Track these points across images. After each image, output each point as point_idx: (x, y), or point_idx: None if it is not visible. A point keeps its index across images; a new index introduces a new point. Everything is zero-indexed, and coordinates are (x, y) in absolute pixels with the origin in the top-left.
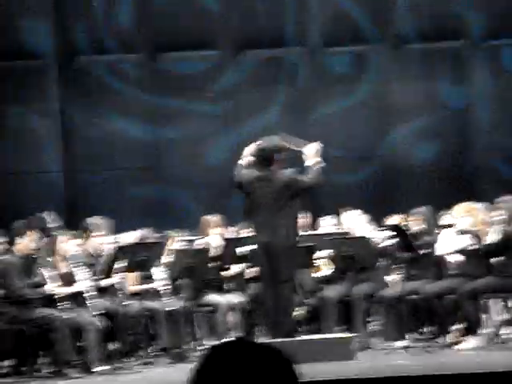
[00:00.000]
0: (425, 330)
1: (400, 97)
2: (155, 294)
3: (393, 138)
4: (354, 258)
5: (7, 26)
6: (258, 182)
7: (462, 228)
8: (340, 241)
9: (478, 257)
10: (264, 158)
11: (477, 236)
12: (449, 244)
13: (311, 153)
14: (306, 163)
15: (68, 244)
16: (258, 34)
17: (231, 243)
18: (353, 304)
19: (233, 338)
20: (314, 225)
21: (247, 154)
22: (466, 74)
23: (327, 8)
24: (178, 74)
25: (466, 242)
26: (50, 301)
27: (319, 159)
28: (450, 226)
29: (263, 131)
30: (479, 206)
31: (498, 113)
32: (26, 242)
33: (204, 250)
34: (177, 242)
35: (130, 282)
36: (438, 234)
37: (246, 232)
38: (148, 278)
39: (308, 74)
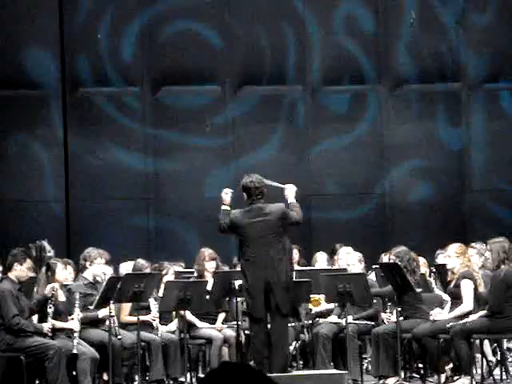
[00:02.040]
0: (418, 368)
1: (398, 136)
2: (151, 325)
3: (390, 177)
4: (351, 295)
5: (12, 54)
6: (251, 217)
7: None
8: (337, 277)
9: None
10: (255, 192)
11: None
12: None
13: (292, 191)
14: (289, 200)
15: (65, 273)
16: (259, 71)
17: (224, 276)
18: (347, 340)
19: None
20: (309, 260)
21: (225, 199)
22: (464, 116)
23: (328, 47)
24: (178, 108)
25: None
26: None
27: (295, 200)
28: (443, 265)
29: (261, 166)
30: (476, 246)
31: (495, 155)
32: (25, 269)
33: (200, 283)
34: (173, 273)
35: (125, 312)
36: (432, 273)
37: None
38: (144, 309)
39: (307, 112)
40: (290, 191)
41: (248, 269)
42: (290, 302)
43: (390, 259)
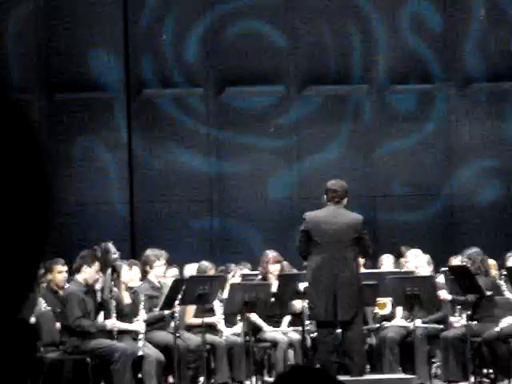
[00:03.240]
0: (487, 372)
1: (466, 136)
2: (215, 328)
3: (458, 178)
4: (419, 298)
5: (77, 58)
6: (327, 219)
7: None
8: (405, 280)
9: None
10: (337, 196)
11: None
12: None
13: None
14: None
15: (131, 274)
16: (324, 71)
17: (290, 279)
18: (415, 344)
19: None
20: (375, 263)
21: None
22: None
23: (395, 46)
24: (242, 109)
25: None
26: (110, 331)
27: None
28: None
29: (326, 166)
30: None
31: None
32: (93, 271)
33: (265, 285)
34: (238, 276)
35: (190, 314)
36: (503, 276)
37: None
38: (208, 312)
39: (373, 112)
40: None
41: (316, 271)
42: (357, 306)
43: (462, 261)
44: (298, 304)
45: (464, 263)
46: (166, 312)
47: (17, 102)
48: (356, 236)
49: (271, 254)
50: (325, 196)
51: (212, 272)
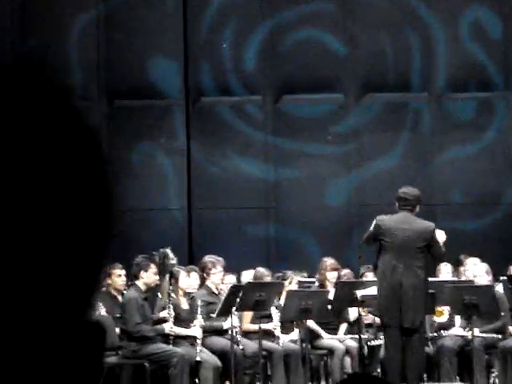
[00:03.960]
0: None
1: None
2: (272, 334)
3: None
4: (478, 307)
5: (138, 65)
6: (400, 224)
7: None
8: (463, 288)
9: None
10: (409, 204)
11: None
12: None
13: (441, 237)
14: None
15: (189, 280)
16: (383, 78)
17: (346, 286)
18: (473, 354)
19: (357, 373)
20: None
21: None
22: None
23: (454, 53)
24: (300, 116)
25: None
26: (166, 336)
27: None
28: None
29: (384, 174)
30: None
31: None
32: (151, 275)
33: (321, 292)
34: (294, 283)
35: (247, 320)
36: None
37: (370, 275)
38: (265, 318)
39: (433, 120)
40: (440, 236)
41: (381, 277)
42: (420, 314)
43: None
44: (355, 312)
45: None
46: (225, 325)
47: (78, 107)
48: (426, 244)
49: (329, 261)
50: (396, 204)
51: (268, 279)
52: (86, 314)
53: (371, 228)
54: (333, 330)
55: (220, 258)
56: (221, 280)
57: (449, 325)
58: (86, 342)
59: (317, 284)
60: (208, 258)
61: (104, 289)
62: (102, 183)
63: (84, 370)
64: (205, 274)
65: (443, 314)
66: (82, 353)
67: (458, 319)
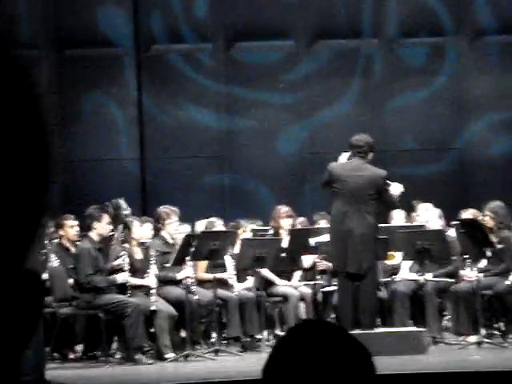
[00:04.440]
0: (498, 325)
1: (477, 89)
2: (227, 283)
3: (469, 131)
4: (430, 252)
5: (85, 13)
6: (351, 172)
7: None
8: (415, 234)
9: None
10: (361, 151)
11: None
12: None
13: (397, 190)
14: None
15: (143, 231)
16: (334, 25)
17: (300, 234)
18: (426, 298)
19: (309, 319)
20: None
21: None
22: None
23: None
24: (252, 64)
25: None
26: (122, 287)
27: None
28: None
29: (336, 121)
30: None
31: None
32: (104, 225)
33: (275, 241)
34: (248, 231)
35: (202, 270)
36: None
37: (323, 223)
38: (219, 267)
39: (384, 66)
40: (396, 188)
41: (332, 224)
42: (371, 259)
43: (483, 215)
44: (309, 259)
45: (487, 217)
46: (179, 276)
47: (18, 56)
48: (376, 191)
49: (283, 208)
50: (349, 151)
51: (220, 228)
52: (23, 263)
53: (324, 176)
54: (287, 278)
55: (175, 208)
56: (176, 230)
57: (400, 268)
58: (22, 290)
59: (271, 232)
60: (163, 209)
61: (57, 240)
62: (35, 131)
63: (21, 317)
64: (160, 225)
65: (394, 257)
66: (19, 300)
67: (405, 264)
